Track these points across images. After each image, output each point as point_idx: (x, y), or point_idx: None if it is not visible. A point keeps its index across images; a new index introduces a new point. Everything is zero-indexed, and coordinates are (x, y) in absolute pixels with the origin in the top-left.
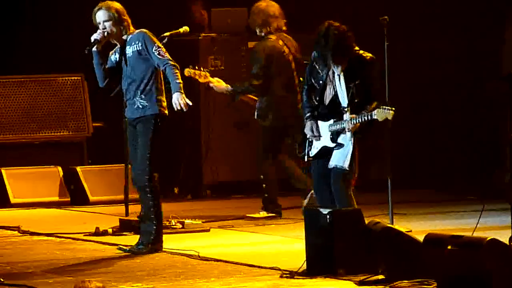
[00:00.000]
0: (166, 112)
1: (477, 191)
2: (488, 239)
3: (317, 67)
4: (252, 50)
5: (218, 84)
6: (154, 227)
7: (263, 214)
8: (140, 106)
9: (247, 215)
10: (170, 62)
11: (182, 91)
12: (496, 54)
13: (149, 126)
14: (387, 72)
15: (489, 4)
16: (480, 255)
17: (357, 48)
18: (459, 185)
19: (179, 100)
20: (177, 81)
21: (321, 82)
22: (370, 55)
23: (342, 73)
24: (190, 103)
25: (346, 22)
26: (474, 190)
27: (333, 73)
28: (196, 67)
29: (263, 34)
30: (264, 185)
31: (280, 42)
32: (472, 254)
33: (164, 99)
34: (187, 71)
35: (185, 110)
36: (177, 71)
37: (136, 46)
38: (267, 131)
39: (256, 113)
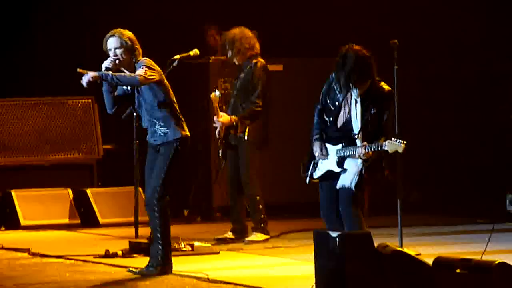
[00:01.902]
0: (188, 133)
1: (488, 214)
2: (497, 262)
3: (335, 88)
4: (246, 72)
5: (222, 119)
6: (161, 248)
7: (261, 236)
8: (162, 134)
9: (247, 239)
10: (138, 76)
11: (97, 75)
12: (509, 76)
13: (171, 148)
14: (397, 97)
15: (502, 26)
16: (490, 279)
17: (378, 78)
18: (469, 208)
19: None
20: (114, 74)
21: (337, 103)
22: (388, 88)
23: (359, 98)
24: (91, 79)
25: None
26: (484, 213)
27: (351, 96)
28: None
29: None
30: (260, 205)
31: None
32: (481, 277)
33: (182, 118)
34: (214, 95)
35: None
36: (126, 74)
37: None
38: (256, 152)
39: (246, 135)
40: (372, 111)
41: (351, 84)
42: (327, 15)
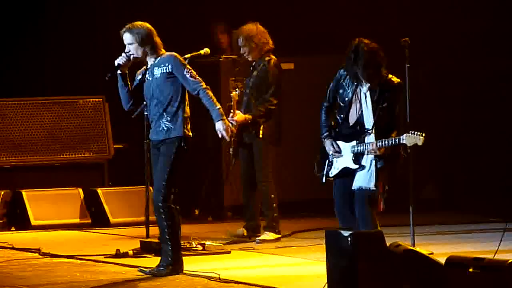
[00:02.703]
0: (191, 134)
1: (500, 213)
2: (510, 261)
3: (344, 84)
4: (260, 70)
5: (237, 117)
6: (170, 248)
7: (273, 235)
8: (165, 128)
9: (258, 238)
10: (202, 85)
11: (224, 117)
12: None
13: (173, 148)
14: (408, 94)
15: None
16: (502, 278)
17: (385, 71)
18: (482, 207)
19: (223, 128)
20: (217, 107)
21: (346, 99)
22: (398, 80)
23: (369, 92)
24: (234, 130)
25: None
26: (497, 211)
27: (360, 91)
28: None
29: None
30: (274, 204)
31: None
32: (494, 276)
33: (189, 121)
34: (235, 94)
35: (228, 139)
36: (211, 94)
37: (166, 68)
38: (270, 150)
39: (261, 133)
40: (383, 105)
41: (364, 79)
42: (337, 13)
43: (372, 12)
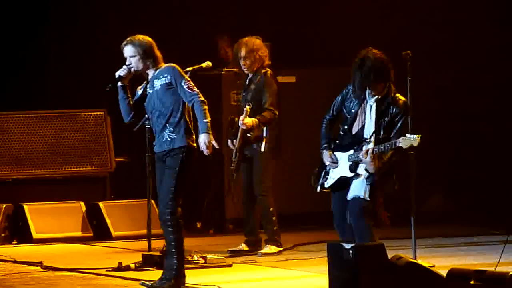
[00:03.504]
0: (195, 145)
1: (502, 225)
2: (511, 274)
3: (351, 95)
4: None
5: (247, 121)
6: (175, 262)
7: (275, 249)
8: (169, 139)
9: (260, 252)
10: (198, 97)
11: (210, 131)
12: None
13: (178, 159)
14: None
15: None
16: None
17: (393, 88)
18: (483, 219)
19: (205, 141)
20: (205, 120)
21: (353, 111)
22: (404, 99)
23: (375, 105)
24: (217, 146)
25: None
26: (499, 223)
27: (367, 103)
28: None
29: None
30: (274, 217)
31: None
32: None
33: (193, 134)
34: (248, 109)
35: (208, 153)
36: (205, 107)
37: (165, 79)
38: (271, 164)
39: (263, 147)
40: (386, 119)
41: (366, 86)
42: (339, 26)
43: (374, 25)
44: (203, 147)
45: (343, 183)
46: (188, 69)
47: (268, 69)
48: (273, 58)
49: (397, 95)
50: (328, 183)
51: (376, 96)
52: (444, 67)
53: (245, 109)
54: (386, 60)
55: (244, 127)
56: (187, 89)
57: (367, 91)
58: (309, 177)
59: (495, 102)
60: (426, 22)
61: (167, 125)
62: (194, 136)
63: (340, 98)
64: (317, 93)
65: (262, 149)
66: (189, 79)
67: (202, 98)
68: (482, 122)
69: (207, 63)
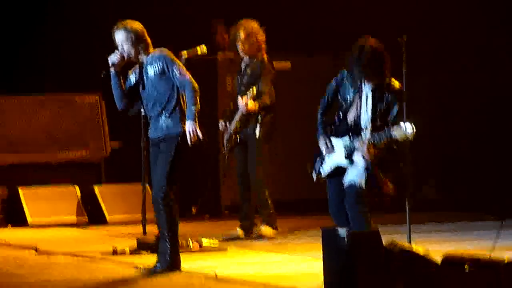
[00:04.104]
0: None
1: (496, 211)
2: (506, 259)
3: (347, 83)
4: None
5: (250, 105)
6: (169, 246)
7: (270, 230)
8: (164, 125)
9: (257, 229)
10: (190, 82)
11: (196, 120)
12: None
13: (173, 145)
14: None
15: None
16: (499, 276)
17: (389, 75)
18: (478, 205)
19: (190, 130)
20: (193, 107)
21: (348, 98)
22: (399, 84)
23: (371, 93)
24: (201, 136)
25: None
26: (493, 209)
27: (362, 91)
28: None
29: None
30: (269, 201)
31: None
32: (490, 274)
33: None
34: (254, 92)
35: (192, 142)
36: (195, 94)
37: (158, 66)
38: (265, 149)
39: (259, 131)
40: (382, 107)
41: (364, 77)
42: (335, 13)
43: (370, 13)
44: (187, 135)
45: (339, 171)
46: (183, 52)
47: (265, 54)
48: (268, 44)
49: (392, 80)
50: (324, 171)
51: (372, 85)
52: (441, 66)
53: (249, 92)
54: (383, 49)
55: (244, 110)
56: (179, 75)
57: (363, 79)
58: (306, 165)
59: (494, 98)
60: (423, 19)
61: (164, 111)
62: None
63: (334, 84)
64: (312, 80)
65: (257, 134)
66: (181, 64)
67: (194, 85)
68: (477, 119)
69: (202, 48)
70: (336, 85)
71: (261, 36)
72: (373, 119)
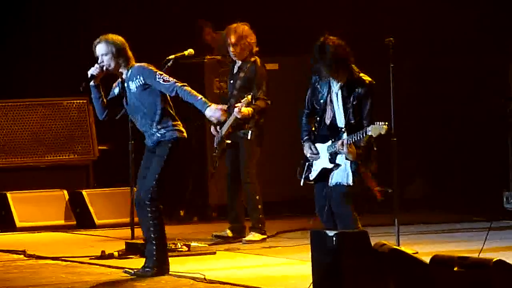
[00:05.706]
0: (185, 135)
1: (485, 212)
2: (494, 260)
3: (318, 87)
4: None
5: (243, 111)
6: (155, 248)
7: (259, 236)
8: (159, 135)
9: (244, 239)
10: (177, 84)
11: (210, 103)
12: (504, 71)
13: (167, 149)
14: (392, 93)
15: (497, 21)
16: (487, 276)
17: (357, 70)
18: (466, 206)
19: (214, 111)
20: (199, 98)
21: (321, 101)
22: (369, 78)
23: (340, 91)
24: (225, 107)
25: (350, 42)
26: (481, 210)
27: (332, 91)
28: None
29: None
30: (259, 205)
31: None
32: (479, 275)
33: (179, 122)
34: (249, 97)
35: (223, 119)
36: (189, 89)
37: (139, 81)
38: (256, 151)
39: (251, 133)
40: (353, 102)
41: (331, 76)
42: (322, 12)
43: (356, 11)
44: (215, 116)
45: (325, 174)
46: (170, 57)
47: (257, 57)
48: (256, 45)
49: (361, 75)
50: (312, 175)
51: (340, 83)
52: (424, 51)
53: (245, 98)
54: (344, 45)
55: (239, 116)
56: (163, 82)
57: (331, 79)
58: (296, 165)
59: (479, 88)
60: (410, 6)
61: (153, 123)
62: (181, 127)
63: (310, 91)
64: (300, 80)
65: (249, 137)
66: (160, 72)
67: (181, 83)
68: (465, 108)
69: (189, 51)
70: (311, 91)
71: (252, 39)
72: (347, 117)
